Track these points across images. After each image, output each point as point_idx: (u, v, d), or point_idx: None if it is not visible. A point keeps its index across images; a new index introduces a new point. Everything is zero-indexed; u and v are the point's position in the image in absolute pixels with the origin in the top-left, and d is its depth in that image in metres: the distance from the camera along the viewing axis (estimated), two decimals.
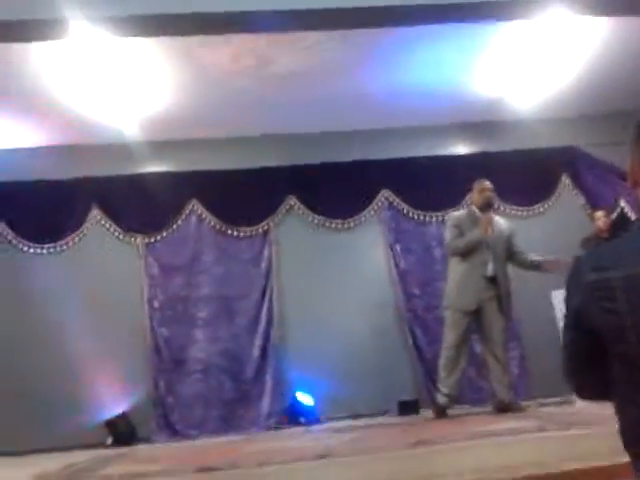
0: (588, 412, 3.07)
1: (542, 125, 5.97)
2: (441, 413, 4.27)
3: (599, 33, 4.80)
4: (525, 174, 5.99)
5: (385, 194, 6.03)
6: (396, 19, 3.62)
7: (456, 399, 4.44)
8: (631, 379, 1.15)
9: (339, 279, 5.73)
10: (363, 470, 2.39)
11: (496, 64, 5.16)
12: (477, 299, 4.23)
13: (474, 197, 4.59)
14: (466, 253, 4.30)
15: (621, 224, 5.73)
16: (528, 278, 5.66)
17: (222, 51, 4.54)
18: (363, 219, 5.97)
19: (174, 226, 5.71)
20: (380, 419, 4.55)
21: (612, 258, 1.16)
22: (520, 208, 6.14)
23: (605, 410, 1.37)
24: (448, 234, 4.45)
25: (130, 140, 5.45)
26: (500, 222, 4.50)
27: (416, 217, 6.02)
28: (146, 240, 5.65)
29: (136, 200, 5.62)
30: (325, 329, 5.52)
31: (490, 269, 4.26)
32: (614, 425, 1.20)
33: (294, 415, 5.29)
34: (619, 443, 1.18)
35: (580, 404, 3.70)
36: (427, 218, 6.03)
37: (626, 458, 1.17)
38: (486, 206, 4.43)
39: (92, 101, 5.00)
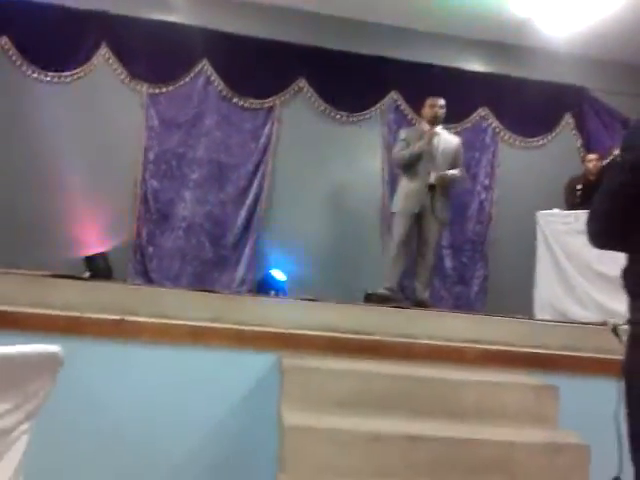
0: None
1: (561, 59, 5.95)
2: (383, 302, 4.53)
3: None
4: (532, 104, 6.03)
5: (394, 96, 6.03)
6: None
7: (397, 294, 4.66)
8: None
9: (332, 169, 5.83)
10: (342, 315, 2.60)
11: None
12: (419, 204, 4.48)
13: (424, 111, 4.76)
14: (411, 163, 4.55)
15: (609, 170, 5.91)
16: (511, 203, 5.92)
17: None
18: (368, 116, 5.99)
19: (181, 81, 5.63)
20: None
21: None
22: (519, 137, 6.24)
23: None
24: (397, 147, 4.71)
25: None
26: (448, 137, 4.71)
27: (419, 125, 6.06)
28: (151, 90, 5.58)
29: (148, 46, 5.47)
30: (309, 214, 5.68)
31: (432, 177, 4.49)
32: None
33: (265, 287, 5.51)
34: None
35: None
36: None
37: None
38: (433, 121, 4.64)
39: None
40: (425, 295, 4.57)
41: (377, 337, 2.58)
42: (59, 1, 5.31)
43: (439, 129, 4.66)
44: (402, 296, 4.71)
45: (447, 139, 4.67)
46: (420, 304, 4.46)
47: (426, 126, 4.67)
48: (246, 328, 2.46)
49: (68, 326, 2.20)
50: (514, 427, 2.14)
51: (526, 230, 5.11)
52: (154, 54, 5.51)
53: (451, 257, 6.01)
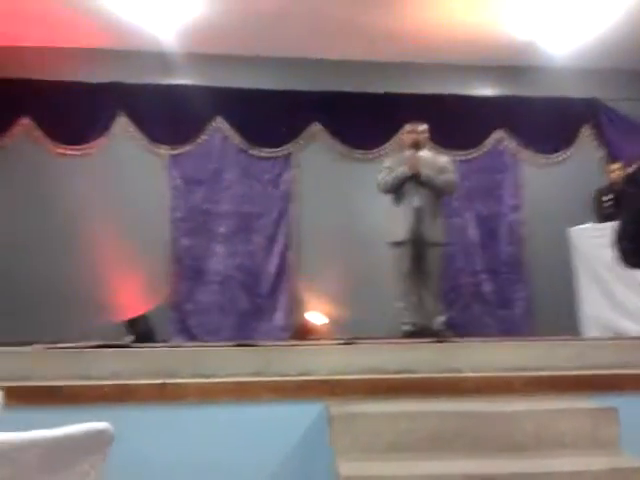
0: None
1: (570, 74, 5.94)
2: (408, 336, 4.43)
3: None
4: (548, 122, 6.02)
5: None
6: None
7: (423, 327, 4.57)
8: None
9: (356, 206, 5.85)
10: (383, 357, 2.57)
11: (530, 6, 5.11)
12: (408, 229, 4.45)
13: (404, 138, 4.83)
14: (395, 190, 4.55)
15: (634, 178, 5.81)
16: (541, 221, 5.84)
17: None
18: (385, 152, 6.03)
19: (199, 140, 5.79)
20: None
21: None
22: (539, 155, 6.20)
23: None
24: (380, 175, 4.71)
25: (164, 49, 5.44)
26: (435, 159, 4.70)
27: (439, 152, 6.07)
28: (171, 152, 5.74)
29: (164, 110, 5.66)
30: (339, 253, 5.68)
31: (416, 200, 4.46)
32: None
33: (304, 332, 5.49)
34: None
35: None
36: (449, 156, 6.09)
37: None
38: (415, 146, 4.65)
39: (131, 4, 4.97)
40: (439, 325, 4.48)
41: (421, 374, 2.54)
42: (74, 78, 5.56)
43: (423, 153, 4.64)
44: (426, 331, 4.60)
45: (433, 161, 4.66)
46: (437, 335, 4.36)
47: (409, 152, 4.67)
48: (289, 379, 2.45)
49: (113, 395, 2.22)
50: (575, 455, 2.06)
51: (561, 246, 5.02)
52: (170, 117, 5.69)
53: (489, 281, 5.92)
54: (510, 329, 5.57)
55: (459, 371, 2.58)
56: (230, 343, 2.79)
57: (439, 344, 2.76)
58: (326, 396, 2.42)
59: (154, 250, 5.50)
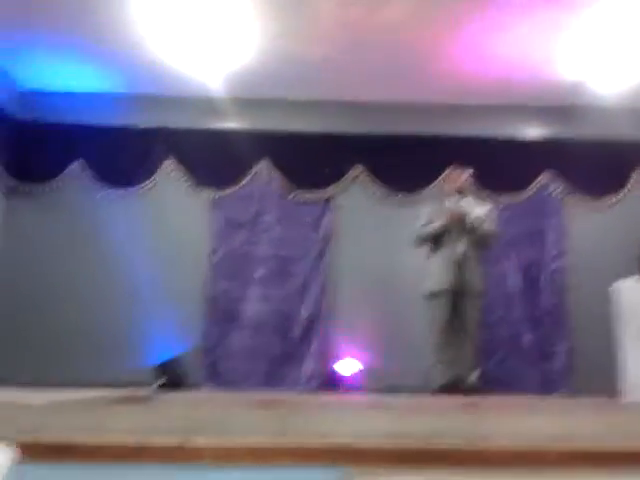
0: None
1: (621, 114, 5.76)
2: (441, 392, 4.31)
3: None
4: (597, 164, 5.81)
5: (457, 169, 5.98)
6: None
7: (457, 381, 4.43)
8: None
9: (396, 252, 5.75)
10: (410, 423, 2.45)
11: (580, 46, 5.01)
12: (450, 281, 4.34)
13: (445, 185, 4.76)
14: (432, 241, 4.50)
15: None
16: (586, 270, 5.59)
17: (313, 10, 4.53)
18: (428, 195, 5.94)
19: (242, 183, 5.85)
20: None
21: None
22: (587, 200, 5.99)
23: None
24: (420, 223, 4.65)
25: (211, 94, 5.58)
26: (476, 208, 4.58)
27: (482, 198, 5.94)
28: (214, 195, 5.81)
29: (209, 154, 5.77)
30: (376, 300, 5.57)
31: (459, 250, 4.33)
32: None
33: (336, 381, 5.39)
34: None
35: None
36: (492, 201, 5.94)
37: None
38: (454, 195, 4.55)
39: (179, 51, 5.10)
40: (474, 380, 4.32)
41: (448, 442, 2.41)
42: (124, 122, 5.73)
43: (466, 200, 4.53)
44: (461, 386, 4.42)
45: (475, 210, 4.55)
46: (470, 391, 4.20)
47: (451, 200, 4.56)
48: (310, 441, 2.36)
49: (127, 453, 2.18)
50: None
51: (606, 298, 4.78)
52: (216, 160, 5.79)
53: (529, 332, 5.69)
54: (549, 384, 5.31)
55: (491, 439, 2.43)
56: (252, 400, 2.73)
57: (470, 409, 2.62)
58: (348, 462, 2.32)
59: (190, 293, 5.53)
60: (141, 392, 3.42)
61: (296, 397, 2.74)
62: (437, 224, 4.47)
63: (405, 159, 5.80)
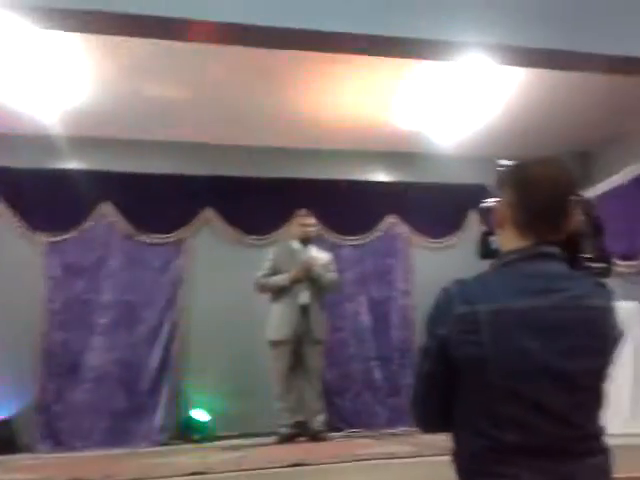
0: None
1: (456, 162, 6.21)
2: (284, 442, 4.29)
3: (517, 82, 5.06)
4: (437, 207, 6.21)
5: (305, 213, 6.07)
6: (320, 44, 3.68)
7: (304, 424, 4.48)
8: (483, 410, 1.21)
9: (248, 296, 5.67)
10: None
11: (416, 98, 5.33)
12: (293, 328, 4.39)
13: (292, 229, 4.78)
14: (271, 291, 4.55)
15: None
16: (429, 307, 5.87)
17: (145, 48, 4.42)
18: (279, 237, 5.97)
19: (82, 226, 5.51)
20: (273, 438, 4.52)
21: (481, 293, 1.25)
22: (431, 239, 6.36)
23: None
24: (263, 267, 4.66)
25: (47, 132, 5.24)
26: (319, 256, 4.72)
27: (331, 240, 6.09)
28: (51, 239, 5.42)
29: (45, 195, 5.38)
30: (227, 346, 5.45)
31: (303, 298, 4.44)
32: None
33: (188, 431, 5.19)
34: None
35: None
36: (341, 241, 6.12)
37: None
38: (305, 240, 4.63)
39: (11, 90, 4.77)
40: (320, 425, 4.37)
41: None
42: None
43: (313, 252, 4.62)
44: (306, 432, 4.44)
45: (317, 257, 4.67)
46: (315, 437, 4.26)
47: (296, 244, 4.65)
48: None
49: None
50: None
51: None
52: (52, 203, 5.41)
53: (379, 368, 5.86)
54: (399, 418, 5.47)
55: None
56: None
57: (297, 469, 2.59)
58: None
59: (24, 346, 5.08)
60: None
61: (108, 477, 2.54)
62: (285, 277, 4.46)
63: (256, 202, 5.82)
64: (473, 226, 6.45)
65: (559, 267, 1.29)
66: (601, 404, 1.25)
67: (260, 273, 4.61)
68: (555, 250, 1.30)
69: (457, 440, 1.30)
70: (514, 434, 1.17)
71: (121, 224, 5.60)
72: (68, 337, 5.20)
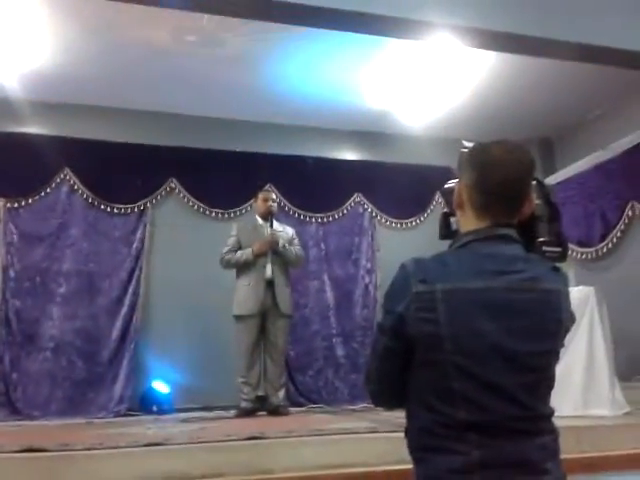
0: None
1: (424, 143, 6.23)
2: (244, 416, 4.31)
3: (486, 64, 5.10)
4: (403, 187, 6.25)
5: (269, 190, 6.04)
6: (291, 18, 3.64)
7: (264, 400, 4.51)
8: (437, 387, 1.24)
9: (211, 269, 5.64)
10: (189, 460, 2.39)
11: (385, 78, 5.32)
12: (259, 303, 4.38)
13: (257, 205, 4.78)
14: (237, 267, 4.53)
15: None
16: None
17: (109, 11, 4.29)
18: (244, 211, 5.94)
19: (42, 193, 5.38)
20: (232, 412, 4.55)
21: (438, 272, 1.26)
22: (396, 219, 6.41)
23: None
24: (227, 243, 4.64)
25: (5, 95, 5.07)
26: (283, 230, 4.74)
27: (297, 216, 6.08)
28: (8, 205, 5.27)
29: (4, 161, 5.19)
30: (190, 318, 5.43)
31: (268, 272, 4.43)
32: None
33: (148, 403, 5.17)
34: None
35: None
36: (307, 218, 6.12)
37: None
38: (266, 215, 4.65)
39: None
40: (280, 400, 4.41)
41: (231, 478, 2.38)
42: None
43: (276, 226, 4.63)
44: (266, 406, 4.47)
45: (283, 232, 4.69)
46: (275, 411, 4.30)
47: (259, 220, 4.64)
48: None
49: None
50: None
51: None
52: (10, 168, 5.24)
53: (342, 345, 5.92)
54: (360, 395, 5.55)
55: (272, 472, 2.45)
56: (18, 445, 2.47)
57: (254, 442, 2.61)
58: None
59: None
60: None
61: (63, 446, 2.53)
62: (249, 251, 4.43)
63: (221, 175, 5.78)
64: (438, 207, 6.54)
65: (515, 249, 1.31)
66: (551, 386, 1.29)
67: (224, 249, 4.58)
68: (512, 232, 1.32)
69: (410, 416, 1.32)
70: (465, 411, 1.20)
71: (82, 192, 5.48)
72: (26, 305, 5.10)
